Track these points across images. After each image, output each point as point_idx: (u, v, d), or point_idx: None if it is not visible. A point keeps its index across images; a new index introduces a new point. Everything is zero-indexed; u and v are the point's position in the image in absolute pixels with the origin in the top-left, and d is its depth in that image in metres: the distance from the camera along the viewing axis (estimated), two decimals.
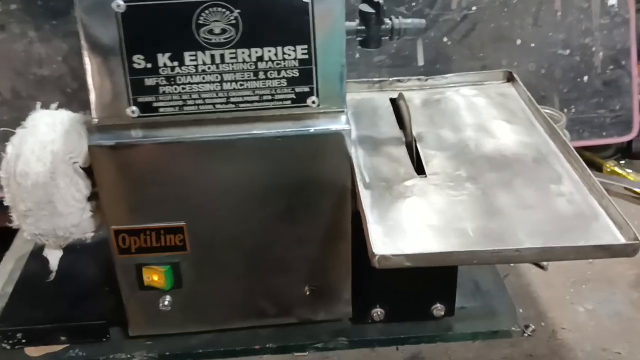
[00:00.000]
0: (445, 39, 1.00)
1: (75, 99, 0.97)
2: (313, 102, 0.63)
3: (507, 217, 0.58)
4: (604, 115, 1.04)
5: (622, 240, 0.54)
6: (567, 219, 0.58)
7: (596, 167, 1.07)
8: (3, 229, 0.94)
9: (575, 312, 0.79)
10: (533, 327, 0.75)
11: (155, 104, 0.62)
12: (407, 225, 0.58)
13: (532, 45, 1.01)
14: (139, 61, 0.60)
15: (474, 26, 1.00)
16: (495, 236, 0.56)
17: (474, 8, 0.99)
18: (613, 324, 0.77)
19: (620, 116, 1.04)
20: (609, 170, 1.05)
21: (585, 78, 1.03)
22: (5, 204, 0.67)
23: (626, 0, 1.01)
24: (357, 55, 1.00)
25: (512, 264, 0.86)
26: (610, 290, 0.82)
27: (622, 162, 1.08)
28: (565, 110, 1.03)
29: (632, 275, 0.85)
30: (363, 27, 0.65)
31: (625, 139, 1.05)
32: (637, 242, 0.53)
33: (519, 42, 1.01)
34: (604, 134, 1.04)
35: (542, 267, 0.85)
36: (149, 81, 0.61)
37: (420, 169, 0.66)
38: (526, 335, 0.74)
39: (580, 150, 1.08)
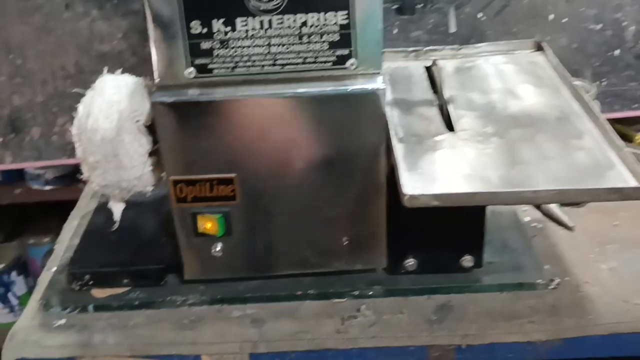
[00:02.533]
0: (479, 15, 1.04)
1: (134, 73, 1.05)
2: (352, 65, 0.69)
3: (528, 166, 0.63)
4: (635, 88, 1.06)
5: (634, 184, 0.59)
6: (585, 168, 0.62)
7: (627, 139, 1.10)
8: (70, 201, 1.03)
9: (598, 269, 0.83)
10: (558, 280, 0.80)
11: (210, 66, 0.69)
12: (436, 173, 0.63)
13: (565, 20, 1.05)
14: (196, 26, 0.67)
15: (508, 2, 1.04)
16: (516, 182, 0.61)
17: None
18: (634, 280, 0.80)
19: None
20: (639, 141, 1.08)
21: (617, 52, 1.06)
22: (77, 157, 0.75)
23: None
24: (396, 31, 1.05)
25: (539, 226, 0.90)
26: (634, 250, 0.86)
27: None
28: (598, 82, 1.06)
29: None
30: None
31: None
32: None
33: (551, 17, 1.05)
34: (635, 106, 1.07)
35: (568, 228, 0.89)
36: (205, 45, 0.68)
37: (450, 127, 0.71)
38: (550, 288, 0.79)
39: (612, 122, 1.11)
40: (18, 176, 1.49)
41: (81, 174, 0.77)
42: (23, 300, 1.62)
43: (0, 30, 1.04)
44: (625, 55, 1.06)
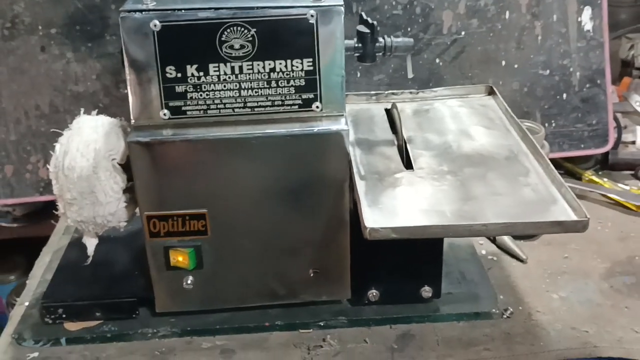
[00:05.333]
0: (437, 60, 1.11)
1: (107, 113, 1.07)
2: (317, 107, 0.74)
3: (479, 202, 0.68)
4: (582, 129, 1.14)
5: (574, 217, 0.65)
6: (531, 203, 0.68)
7: (576, 177, 1.17)
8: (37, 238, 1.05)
9: (550, 298, 0.88)
10: (511, 310, 0.85)
11: (183, 108, 0.73)
12: (396, 208, 0.68)
13: (516, 66, 1.12)
14: (171, 71, 0.72)
15: (463, 49, 1.11)
16: (469, 216, 0.66)
17: (463, 33, 1.10)
18: (583, 309, 0.86)
19: (597, 130, 1.14)
20: (587, 179, 1.14)
21: (564, 95, 1.13)
22: (54, 193, 0.78)
23: (601, 25, 1.12)
24: (359, 75, 1.11)
25: (495, 259, 0.96)
26: (584, 281, 0.91)
27: (601, 172, 1.18)
28: (547, 124, 1.13)
29: (603, 268, 0.94)
30: (360, 45, 0.76)
31: (601, 150, 1.15)
32: (586, 219, 0.63)
33: (503, 63, 1.12)
34: (582, 146, 1.14)
35: (522, 260, 0.95)
36: (179, 88, 0.72)
37: (409, 165, 0.77)
38: (505, 317, 0.84)
39: (562, 161, 1.19)
40: None
41: (54, 210, 0.79)
42: None
43: None
44: (572, 99, 1.13)
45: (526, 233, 0.67)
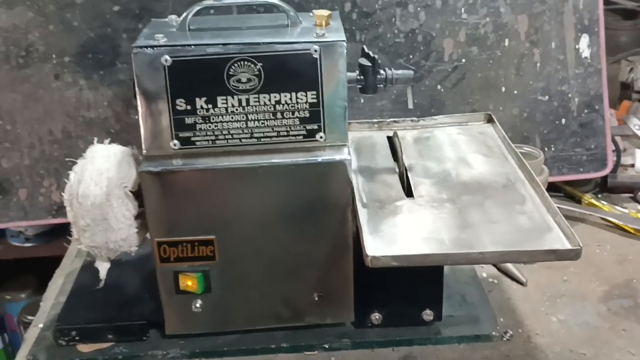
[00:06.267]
0: (439, 87, 1.14)
1: (118, 139, 1.09)
2: (321, 137, 0.77)
3: (477, 229, 0.71)
4: (580, 153, 1.16)
5: (567, 246, 0.67)
6: (526, 231, 0.70)
7: (576, 200, 1.19)
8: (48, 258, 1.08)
9: (549, 321, 0.90)
10: (511, 332, 0.87)
11: (192, 138, 0.76)
12: (396, 236, 0.71)
13: (515, 92, 1.15)
14: (181, 104, 0.75)
15: (463, 75, 1.14)
16: (466, 244, 0.69)
17: (463, 60, 1.13)
18: (581, 331, 0.88)
19: (596, 154, 1.16)
20: (586, 202, 1.17)
21: (563, 120, 1.16)
22: (68, 220, 0.81)
23: (598, 52, 1.15)
24: (362, 101, 1.14)
25: (495, 281, 0.98)
26: (582, 304, 0.93)
27: (600, 195, 1.20)
28: (546, 148, 1.16)
29: (601, 291, 0.96)
30: (362, 77, 0.80)
31: (600, 174, 1.17)
32: (579, 247, 0.66)
33: (503, 89, 1.15)
34: (581, 170, 1.16)
35: (522, 283, 0.97)
36: (188, 120, 0.76)
37: (409, 193, 0.79)
38: (504, 339, 0.86)
39: (562, 184, 1.21)
40: None
41: (66, 234, 0.82)
42: None
43: None
44: (571, 124, 1.16)
45: (521, 261, 0.69)
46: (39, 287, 1.56)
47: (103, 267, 0.84)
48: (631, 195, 1.20)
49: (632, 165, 1.26)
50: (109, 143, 0.83)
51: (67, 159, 0.82)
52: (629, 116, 1.34)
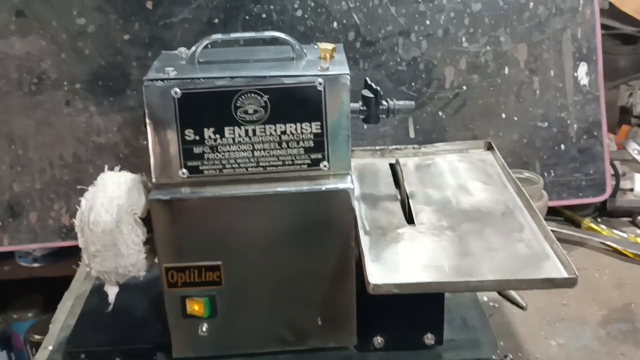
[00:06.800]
0: (440, 113, 1.17)
1: (127, 163, 1.13)
2: (325, 166, 0.79)
3: (476, 257, 0.73)
4: (580, 178, 1.19)
5: (564, 274, 0.69)
6: (524, 258, 0.72)
7: (575, 224, 1.21)
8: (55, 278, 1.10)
9: (548, 345, 0.92)
10: (511, 356, 0.89)
11: (201, 167, 0.79)
12: (397, 263, 0.73)
13: (515, 118, 1.18)
14: (190, 134, 0.77)
15: (464, 102, 1.17)
16: (465, 272, 0.71)
17: (464, 87, 1.16)
18: (580, 355, 0.90)
19: (595, 179, 1.19)
20: (586, 226, 1.19)
21: (562, 146, 1.18)
22: (77, 243, 0.83)
23: (596, 80, 1.17)
24: (365, 127, 1.16)
25: (496, 305, 1.00)
26: (581, 328, 0.95)
27: (600, 219, 1.22)
28: (546, 174, 1.18)
29: (600, 315, 0.98)
30: (364, 108, 0.82)
31: (599, 199, 1.19)
32: (575, 276, 0.68)
33: (503, 115, 1.17)
34: (581, 194, 1.19)
35: (522, 307, 0.99)
36: (197, 149, 0.78)
37: (410, 220, 0.82)
38: None
39: (562, 208, 1.23)
40: (7, 253, 1.55)
41: (74, 256, 0.84)
42: None
43: (5, 124, 1.13)
44: (570, 150, 1.18)
45: (519, 289, 0.71)
46: (45, 306, 1.57)
47: (112, 291, 0.86)
48: (630, 219, 1.22)
49: (632, 190, 1.28)
50: (119, 170, 0.85)
51: (78, 187, 0.84)
52: (628, 141, 1.36)
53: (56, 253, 1.53)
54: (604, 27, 1.65)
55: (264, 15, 1.12)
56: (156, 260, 0.83)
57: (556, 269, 0.70)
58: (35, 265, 1.55)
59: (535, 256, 0.73)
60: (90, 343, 0.87)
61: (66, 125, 1.14)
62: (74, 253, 0.84)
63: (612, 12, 1.65)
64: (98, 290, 0.92)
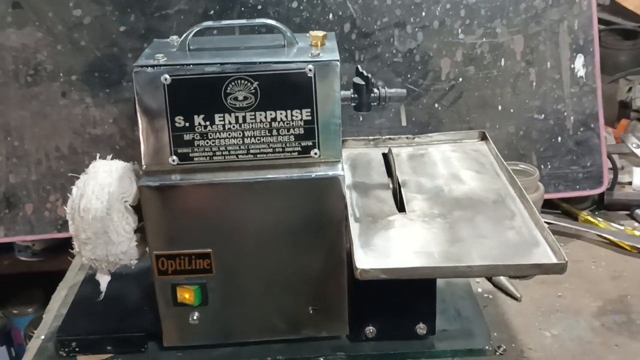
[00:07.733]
0: (436, 105, 1.16)
1: (123, 154, 1.12)
2: (315, 154, 0.79)
3: (466, 244, 0.73)
4: (576, 171, 1.18)
5: (554, 260, 0.69)
6: (514, 245, 0.72)
7: (572, 217, 1.20)
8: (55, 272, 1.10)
9: (542, 336, 0.91)
10: (504, 347, 0.88)
11: (191, 154, 0.79)
12: (387, 249, 0.73)
13: (512, 110, 1.17)
14: (180, 121, 0.77)
15: (460, 94, 1.16)
16: (455, 258, 0.70)
17: (460, 79, 1.15)
18: (574, 346, 0.89)
19: (592, 172, 1.18)
20: (583, 219, 1.18)
21: (559, 139, 1.18)
22: (70, 233, 0.83)
23: (593, 72, 1.17)
24: (361, 119, 1.16)
25: (490, 296, 0.99)
26: (575, 319, 0.95)
27: (597, 212, 1.21)
28: (542, 166, 1.17)
29: (595, 307, 0.97)
30: (356, 95, 0.82)
31: (596, 192, 1.18)
32: (565, 262, 0.67)
33: (500, 107, 1.17)
34: (577, 187, 1.18)
35: (516, 298, 0.98)
36: (187, 136, 0.78)
37: (402, 208, 0.81)
38: (498, 354, 0.87)
39: (559, 201, 1.22)
40: (6, 248, 1.56)
41: (71, 247, 0.84)
42: None
43: (1, 115, 1.13)
44: (567, 142, 1.17)
45: (508, 274, 0.71)
46: (45, 302, 1.57)
47: (104, 280, 0.86)
48: (628, 212, 1.21)
49: (630, 183, 1.27)
50: (112, 159, 0.85)
51: (70, 174, 0.84)
52: (627, 135, 1.35)
53: (55, 247, 1.53)
54: (604, 22, 1.65)
55: (259, 7, 1.12)
56: (147, 249, 0.83)
57: (546, 255, 0.70)
58: (34, 259, 1.55)
59: (525, 243, 0.72)
60: (81, 331, 0.87)
61: (62, 117, 1.14)
62: (72, 246, 0.84)
63: (612, 7, 1.65)
64: (90, 280, 0.92)
